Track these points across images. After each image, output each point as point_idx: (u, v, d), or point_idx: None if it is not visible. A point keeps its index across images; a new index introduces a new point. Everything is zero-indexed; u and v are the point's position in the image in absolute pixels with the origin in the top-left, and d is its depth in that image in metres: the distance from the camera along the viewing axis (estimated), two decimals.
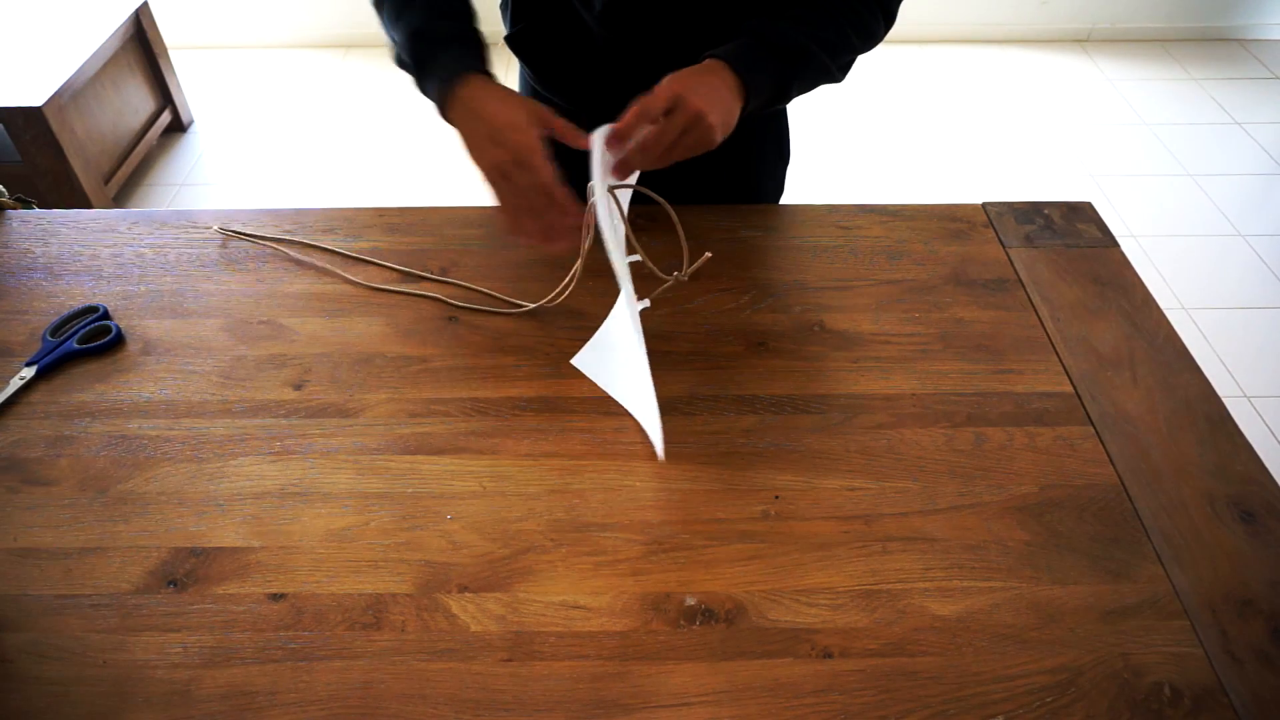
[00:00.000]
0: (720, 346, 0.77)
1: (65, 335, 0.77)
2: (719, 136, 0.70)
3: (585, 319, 0.79)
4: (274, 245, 0.87)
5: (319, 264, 0.85)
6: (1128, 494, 0.66)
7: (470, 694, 0.55)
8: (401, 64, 0.80)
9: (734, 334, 0.79)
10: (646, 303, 0.73)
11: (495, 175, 0.71)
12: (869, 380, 0.75)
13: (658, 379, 0.74)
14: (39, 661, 0.56)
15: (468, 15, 0.79)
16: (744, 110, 0.74)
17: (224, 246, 0.87)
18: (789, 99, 0.81)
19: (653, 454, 0.69)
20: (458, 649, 0.57)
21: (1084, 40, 3.06)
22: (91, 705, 0.54)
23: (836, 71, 0.80)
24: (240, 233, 0.88)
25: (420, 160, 2.48)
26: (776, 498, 0.66)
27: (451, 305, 0.81)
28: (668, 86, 0.69)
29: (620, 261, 0.65)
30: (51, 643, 0.57)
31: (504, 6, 0.92)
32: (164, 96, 2.51)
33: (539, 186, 0.69)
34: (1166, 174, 2.46)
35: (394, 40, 0.81)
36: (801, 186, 2.40)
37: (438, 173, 2.44)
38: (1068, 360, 0.76)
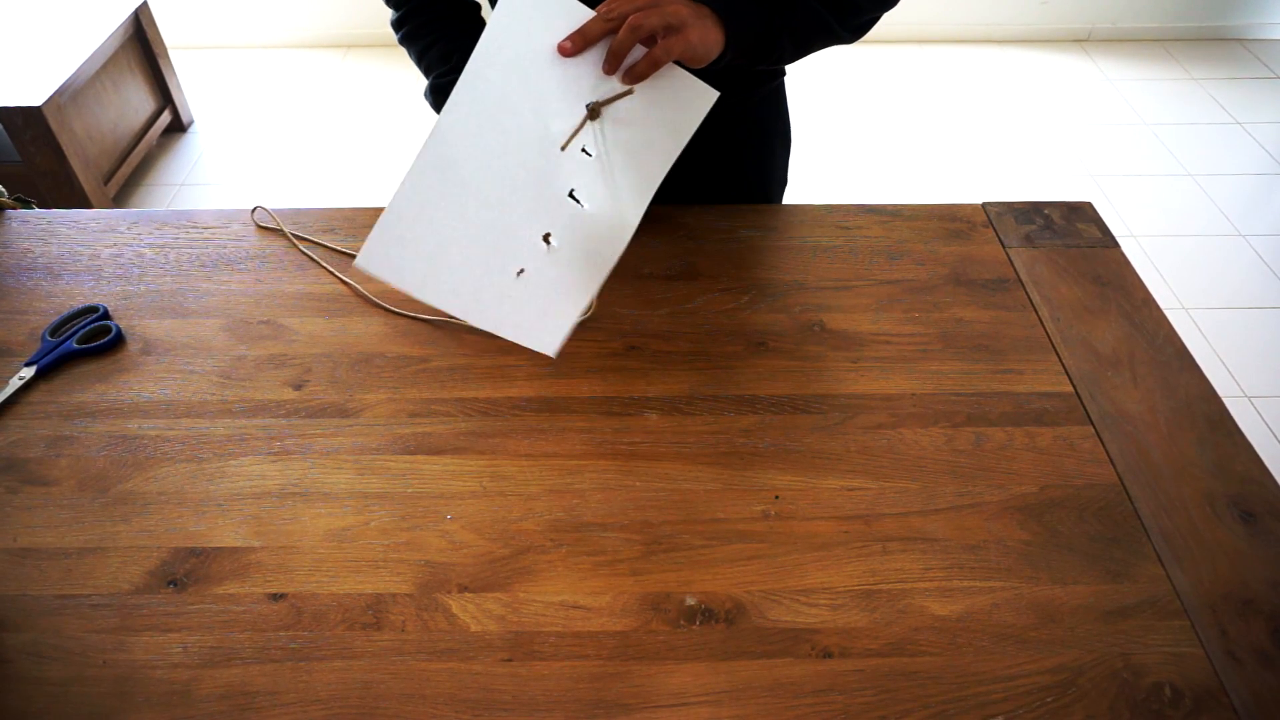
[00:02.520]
0: (720, 346, 0.77)
1: (65, 335, 0.77)
2: (698, 48, 0.67)
3: (587, 318, 0.79)
4: (303, 243, 0.87)
5: (319, 264, 0.85)
6: (1128, 494, 0.66)
7: (470, 694, 0.55)
8: None
9: (734, 334, 0.79)
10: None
11: None
12: (869, 380, 0.75)
13: (657, 378, 0.75)
14: (39, 661, 0.56)
15: None
16: (724, 57, 0.71)
17: (261, 234, 0.88)
18: (784, 53, 0.78)
19: (655, 454, 0.69)
20: (458, 649, 0.57)
21: (1084, 40, 3.06)
22: (91, 705, 0.54)
23: (841, 30, 0.77)
24: (298, 236, 0.88)
25: None
26: (776, 498, 0.66)
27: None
28: None
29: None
30: (51, 643, 0.57)
31: None
32: (164, 96, 2.51)
33: None
34: (1166, 174, 2.46)
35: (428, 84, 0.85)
36: (802, 185, 2.40)
37: None
38: (1068, 360, 0.76)
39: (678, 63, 0.68)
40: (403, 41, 0.87)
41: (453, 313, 0.69)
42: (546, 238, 0.68)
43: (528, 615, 0.59)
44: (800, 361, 0.76)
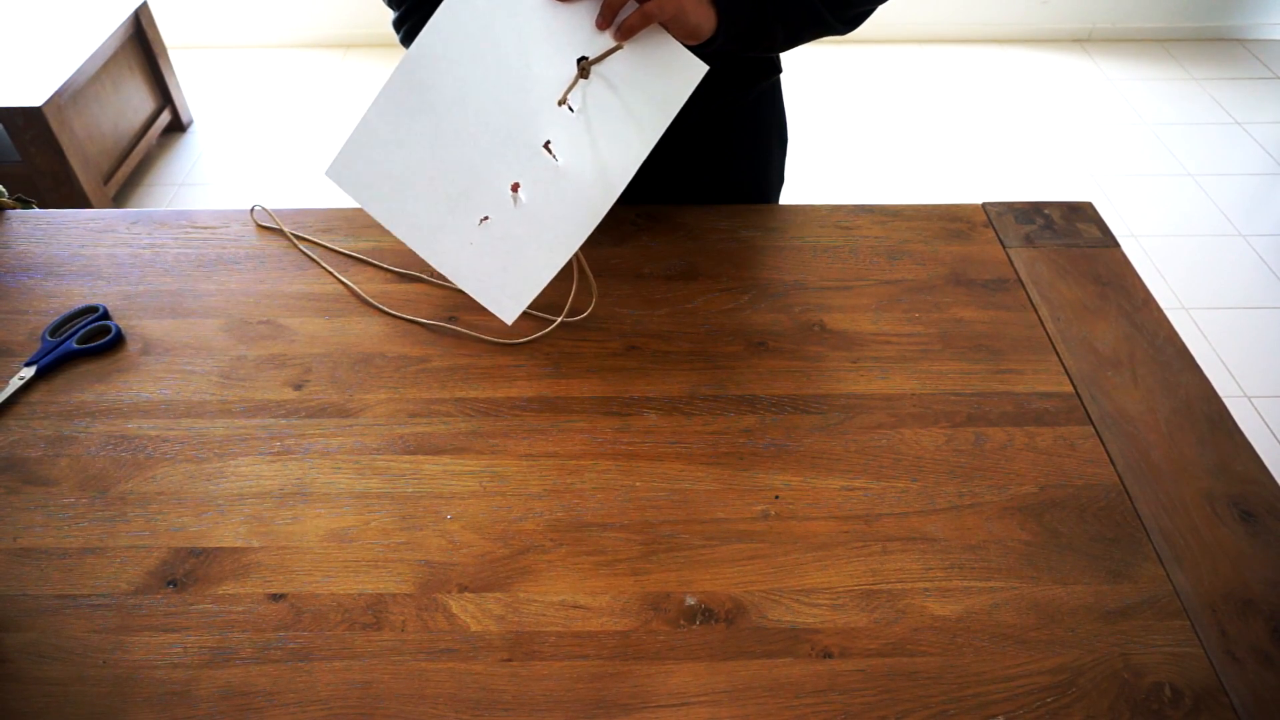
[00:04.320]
0: (720, 346, 0.77)
1: (65, 335, 0.77)
2: (691, 17, 0.66)
3: (586, 319, 0.79)
4: (303, 243, 0.87)
5: (319, 264, 0.85)
6: (1128, 494, 0.66)
7: (470, 694, 0.55)
8: None
9: (734, 334, 0.79)
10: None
11: None
12: (869, 380, 0.75)
13: (657, 378, 0.75)
14: (39, 661, 0.56)
15: None
16: (715, 41, 0.70)
17: (261, 234, 0.88)
18: (775, 41, 0.77)
19: (655, 454, 0.69)
20: (458, 649, 0.57)
21: (1084, 40, 3.06)
22: (91, 705, 0.54)
23: (834, 21, 0.77)
24: (298, 236, 0.88)
25: None
26: (776, 498, 0.66)
27: (450, 306, 0.81)
28: None
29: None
30: (51, 643, 0.57)
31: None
32: (164, 96, 2.51)
33: None
34: (1167, 174, 2.46)
35: None
36: (801, 186, 2.39)
37: None
38: (1068, 360, 0.76)
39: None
40: (404, 41, 0.87)
41: (415, 249, 0.66)
42: (515, 188, 0.66)
43: (528, 615, 0.59)
44: (800, 361, 0.76)
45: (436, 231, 0.66)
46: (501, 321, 0.72)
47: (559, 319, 0.78)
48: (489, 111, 0.65)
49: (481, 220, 0.66)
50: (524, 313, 0.79)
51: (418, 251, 0.68)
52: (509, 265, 0.67)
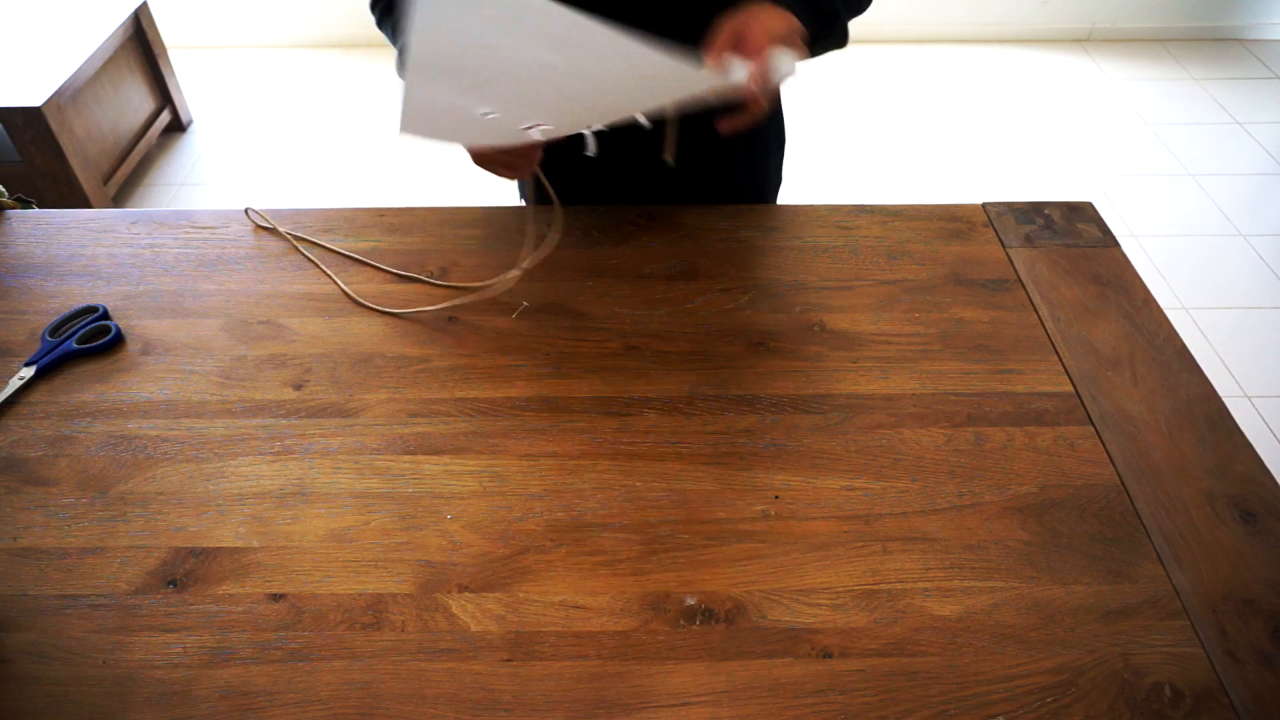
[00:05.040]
0: (720, 346, 0.77)
1: (65, 335, 0.77)
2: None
3: (586, 319, 0.79)
4: (302, 243, 0.87)
5: (319, 264, 0.85)
6: (1128, 494, 0.66)
7: (470, 694, 0.55)
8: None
9: (734, 334, 0.79)
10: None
11: (494, 168, 0.76)
12: (869, 380, 0.75)
13: (657, 378, 0.75)
14: (39, 661, 0.57)
15: None
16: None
17: (260, 234, 0.88)
18: (810, 58, 0.79)
19: (655, 454, 0.69)
20: (458, 649, 0.57)
21: (1084, 40, 3.06)
22: (91, 705, 0.54)
23: (843, 36, 0.80)
24: (296, 235, 0.88)
25: (420, 160, 2.48)
26: (776, 498, 0.66)
27: (450, 305, 0.81)
28: (726, 24, 0.66)
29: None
30: (51, 643, 0.57)
31: None
32: (163, 96, 2.51)
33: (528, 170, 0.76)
34: (1167, 174, 2.46)
35: (397, 53, 0.83)
36: (801, 186, 2.39)
37: (437, 173, 2.44)
38: (1068, 360, 0.76)
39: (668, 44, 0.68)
40: (380, 23, 0.86)
41: (411, 60, 0.61)
42: (530, 129, 0.67)
43: (528, 615, 0.59)
44: (800, 361, 0.76)
45: (438, 78, 0.62)
46: (506, 320, 0.72)
47: (523, 267, 0.78)
48: (550, 96, 0.65)
49: (483, 113, 0.65)
50: (517, 280, 0.79)
51: (409, 61, 0.61)
52: (453, 121, 0.67)
